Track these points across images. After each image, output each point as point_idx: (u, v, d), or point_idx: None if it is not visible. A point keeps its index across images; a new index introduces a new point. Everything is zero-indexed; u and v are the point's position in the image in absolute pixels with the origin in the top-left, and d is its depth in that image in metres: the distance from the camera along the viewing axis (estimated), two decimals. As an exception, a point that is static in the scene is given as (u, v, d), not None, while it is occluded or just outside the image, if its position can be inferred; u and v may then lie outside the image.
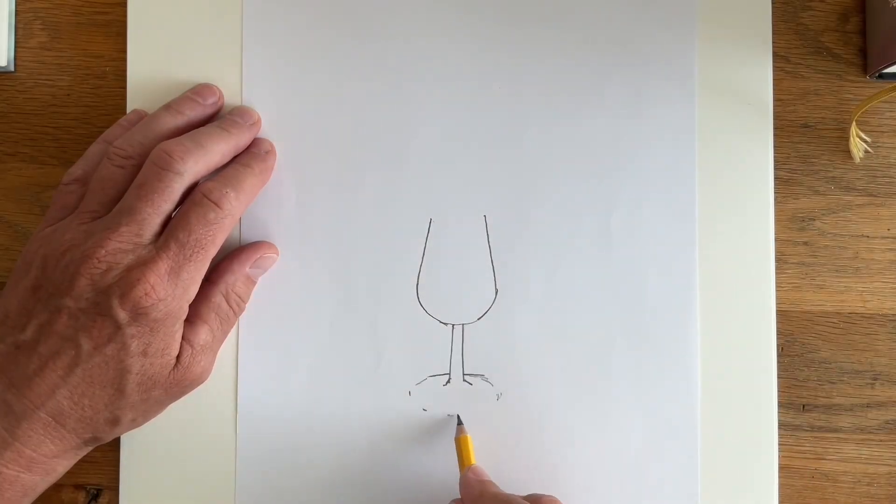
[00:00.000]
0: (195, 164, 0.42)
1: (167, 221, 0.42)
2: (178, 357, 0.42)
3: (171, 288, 0.40)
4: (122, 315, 0.40)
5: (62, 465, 0.42)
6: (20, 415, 0.40)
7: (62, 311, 0.40)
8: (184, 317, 0.42)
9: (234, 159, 0.45)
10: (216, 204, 0.42)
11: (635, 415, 0.47)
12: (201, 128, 0.44)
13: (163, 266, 0.40)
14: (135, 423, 0.43)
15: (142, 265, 0.40)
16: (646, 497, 0.46)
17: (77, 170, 0.44)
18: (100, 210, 0.42)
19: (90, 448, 0.43)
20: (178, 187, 0.41)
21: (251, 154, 0.45)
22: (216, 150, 0.43)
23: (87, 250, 0.40)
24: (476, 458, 0.46)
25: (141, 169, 0.42)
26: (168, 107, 0.45)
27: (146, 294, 0.40)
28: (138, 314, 0.40)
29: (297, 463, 0.47)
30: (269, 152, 0.46)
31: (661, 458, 0.46)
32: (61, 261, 0.40)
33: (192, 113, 0.45)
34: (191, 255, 0.41)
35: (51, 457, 0.41)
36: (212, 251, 0.42)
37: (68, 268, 0.40)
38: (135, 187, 0.41)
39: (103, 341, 0.40)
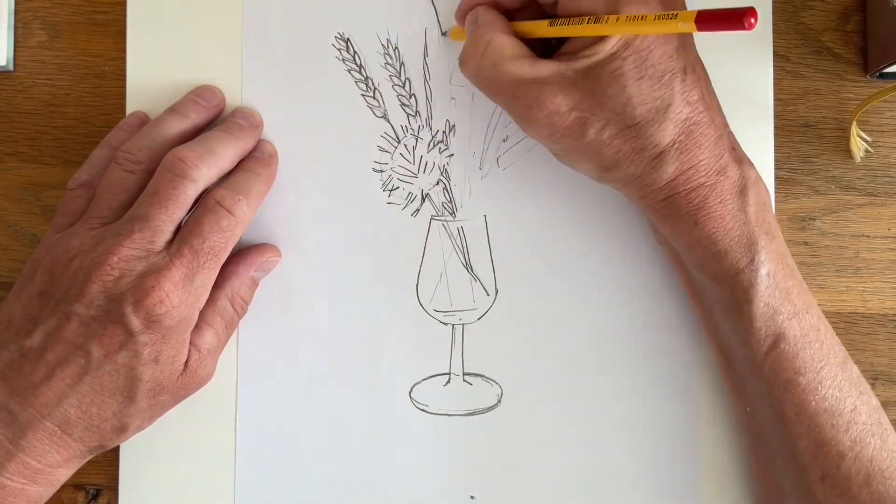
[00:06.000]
0: (208, 170, 0.42)
1: (178, 228, 0.41)
2: (185, 362, 0.42)
3: (184, 295, 0.40)
4: (135, 322, 0.39)
5: (65, 475, 0.42)
6: (25, 424, 0.40)
7: (72, 317, 0.39)
8: (194, 323, 0.42)
9: (240, 164, 0.45)
10: (229, 211, 0.42)
11: (636, 413, 0.46)
12: (209, 133, 0.44)
13: (177, 273, 0.40)
14: (140, 429, 0.43)
15: (156, 272, 0.39)
16: (646, 496, 0.46)
17: (82, 175, 0.44)
18: (109, 216, 0.42)
19: (93, 455, 0.43)
20: (192, 194, 0.41)
21: (256, 159, 0.45)
22: (226, 155, 0.43)
23: (98, 256, 0.39)
24: (475, 456, 0.46)
25: (150, 174, 0.42)
26: (173, 110, 0.45)
27: (161, 301, 0.39)
28: (152, 322, 0.39)
29: (296, 463, 0.46)
30: (273, 156, 0.46)
31: (661, 455, 0.46)
32: (70, 266, 0.40)
33: (197, 116, 0.45)
34: (204, 263, 0.41)
35: (55, 466, 0.41)
36: (223, 258, 0.42)
37: (78, 274, 0.40)
38: (148, 194, 0.41)
39: (114, 349, 0.39)
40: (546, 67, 0.40)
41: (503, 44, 0.40)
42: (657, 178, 0.40)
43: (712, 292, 0.42)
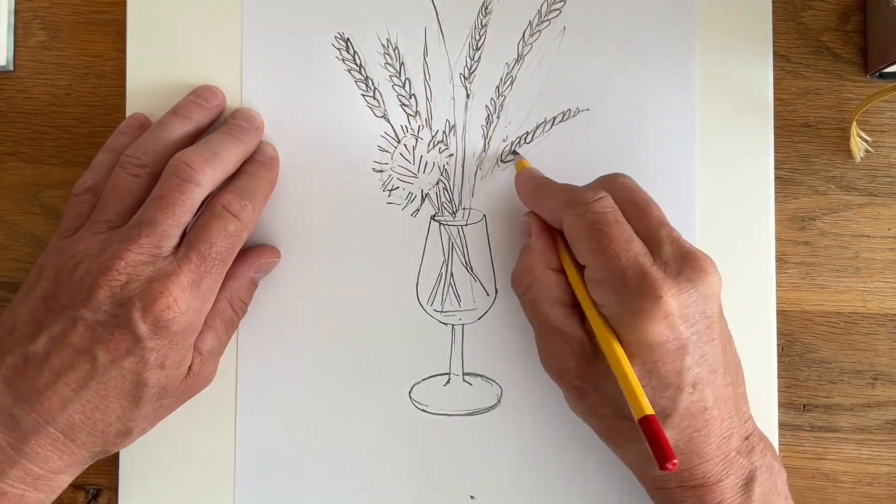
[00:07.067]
0: (214, 174, 0.42)
1: (184, 232, 0.41)
2: (188, 365, 0.42)
3: (192, 300, 0.40)
4: (142, 328, 0.39)
5: (66, 481, 0.42)
6: (28, 430, 0.39)
7: (78, 322, 0.39)
8: (200, 328, 0.42)
9: (243, 167, 0.45)
10: (236, 216, 0.42)
11: (635, 415, 0.46)
12: (213, 136, 0.44)
13: (185, 279, 0.40)
14: (143, 432, 0.43)
15: (164, 278, 0.39)
16: (646, 495, 0.46)
17: (87, 179, 0.44)
18: (115, 220, 0.41)
19: (95, 460, 0.42)
20: (198, 198, 0.41)
21: (259, 163, 0.45)
22: (231, 158, 0.43)
23: (105, 261, 0.39)
24: (475, 456, 0.46)
25: (155, 177, 0.42)
26: (175, 112, 0.45)
27: (169, 307, 0.39)
28: (159, 327, 0.39)
29: (296, 463, 0.46)
30: (275, 159, 0.46)
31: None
32: (76, 271, 0.40)
33: (199, 118, 0.45)
34: (211, 268, 0.41)
35: (57, 472, 0.41)
36: (230, 262, 0.42)
37: (85, 279, 0.39)
38: (155, 199, 0.41)
39: (121, 354, 0.39)
40: (574, 329, 0.41)
41: (548, 283, 0.42)
42: (649, 470, 0.41)
43: None
